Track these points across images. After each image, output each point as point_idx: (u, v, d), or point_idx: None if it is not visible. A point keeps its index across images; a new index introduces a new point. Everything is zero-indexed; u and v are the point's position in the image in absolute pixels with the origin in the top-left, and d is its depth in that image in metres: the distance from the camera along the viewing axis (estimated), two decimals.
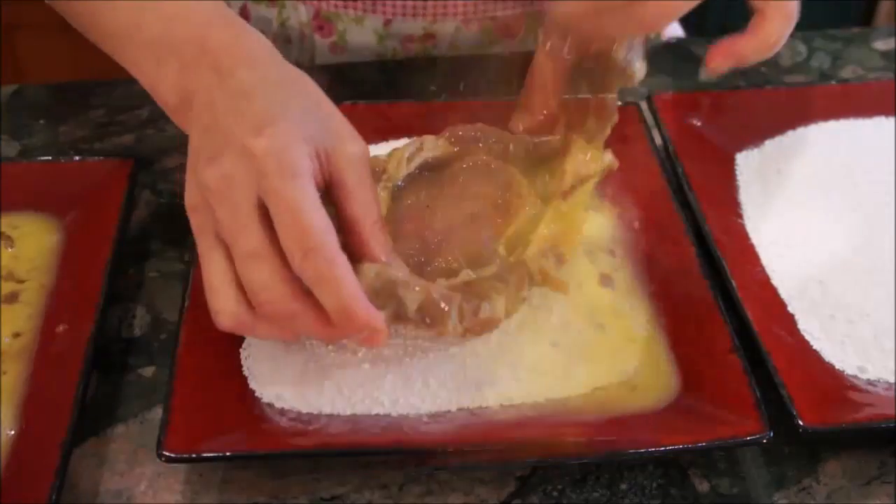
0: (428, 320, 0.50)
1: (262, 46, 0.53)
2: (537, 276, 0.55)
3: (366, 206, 0.50)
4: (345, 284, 0.47)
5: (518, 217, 0.58)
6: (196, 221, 0.50)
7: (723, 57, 0.58)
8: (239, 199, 0.47)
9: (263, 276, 0.47)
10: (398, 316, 0.50)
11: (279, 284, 0.47)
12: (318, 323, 0.48)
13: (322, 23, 0.84)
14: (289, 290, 0.47)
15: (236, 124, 0.48)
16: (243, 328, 0.50)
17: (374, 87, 0.78)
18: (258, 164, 0.47)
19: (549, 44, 0.58)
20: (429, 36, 0.84)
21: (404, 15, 0.83)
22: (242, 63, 0.51)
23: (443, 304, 0.50)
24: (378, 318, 0.48)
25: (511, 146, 0.60)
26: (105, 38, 0.56)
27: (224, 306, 0.49)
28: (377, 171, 0.58)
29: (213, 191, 0.48)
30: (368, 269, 0.50)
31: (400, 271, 0.51)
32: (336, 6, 0.83)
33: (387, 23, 0.83)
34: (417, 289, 0.50)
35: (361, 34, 0.84)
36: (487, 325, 0.53)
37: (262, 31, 0.54)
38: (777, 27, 0.57)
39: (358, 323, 0.47)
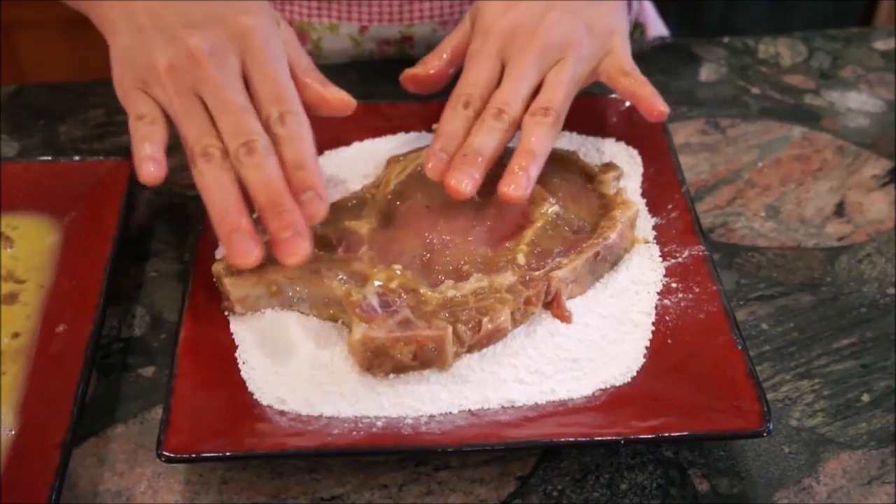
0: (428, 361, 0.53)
1: None
2: (553, 296, 0.57)
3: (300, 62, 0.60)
4: (308, 142, 0.55)
5: (535, 222, 0.59)
6: (177, 79, 0.56)
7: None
8: (230, 63, 0.56)
9: (250, 124, 0.54)
10: (400, 367, 0.53)
11: (261, 133, 0.54)
12: (277, 173, 0.53)
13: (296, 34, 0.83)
14: (267, 138, 0.54)
15: (221, 4, 0.57)
16: (220, 172, 0.54)
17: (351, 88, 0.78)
18: (247, 38, 0.56)
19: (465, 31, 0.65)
20: (406, 38, 0.84)
21: (380, 21, 0.82)
22: None
23: (433, 347, 0.52)
24: (320, 186, 0.54)
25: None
26: None
27: (213, 144, 0.54)
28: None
29: (204, 53, 0.55)
30: (354, 340, 0.52)
31: (382, 329, 0.52)
32: (309, 16, 0.83)
33: (363, 29, 0.83)
34: (404, 344, 0.52)
35: (337, 41, 0.84)
36: (493, 337, 0.54)
37: None
38: (658, 103, 0.63)
39: (311, 177, 0.54)
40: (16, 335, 0.57)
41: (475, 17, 0.65)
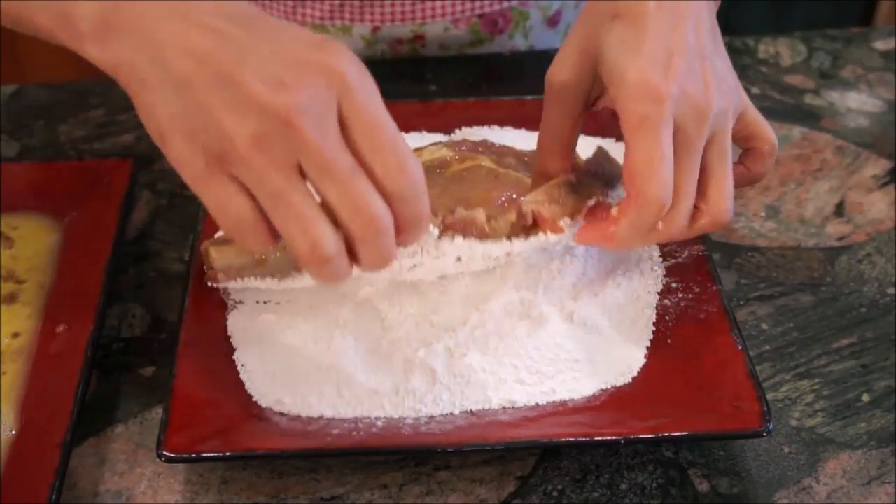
0: None
1: None
2: (529, 216, 0.54)
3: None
4: (425, 195, 0.45)
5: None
6: (266, 158, 0.42)
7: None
8: (330, 120, 0.43)
9: (367, 191, 0.43)
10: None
11: (378, 199, 0.44)
12: (391, 236, 0.45)
13: None
14: (383, 203, 0.44)
15: (294, 44, 0.43)
16: (338, 260, 0.44)
17: None
18: (341, 81, 0.43)
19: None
20: (418, 37, 0.84)
21: (393, 20, 0.82)
22: None
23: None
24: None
25: (513, 160, 0.60)
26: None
27: (325, 234, 0.43)
28: None
29: (299, 113, 0.42)
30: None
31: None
32: (322, 19, 0.83)
33: (375, 29, 0.83)
34: None
35: (349, 42, 0.84)
36: (465, 225, 0.53)
37: None
38: (767, 166, 0.56)
39: (425, 223, 0.46)
40: (16, 335, 0.57)
41: (607, 70, 0.51)
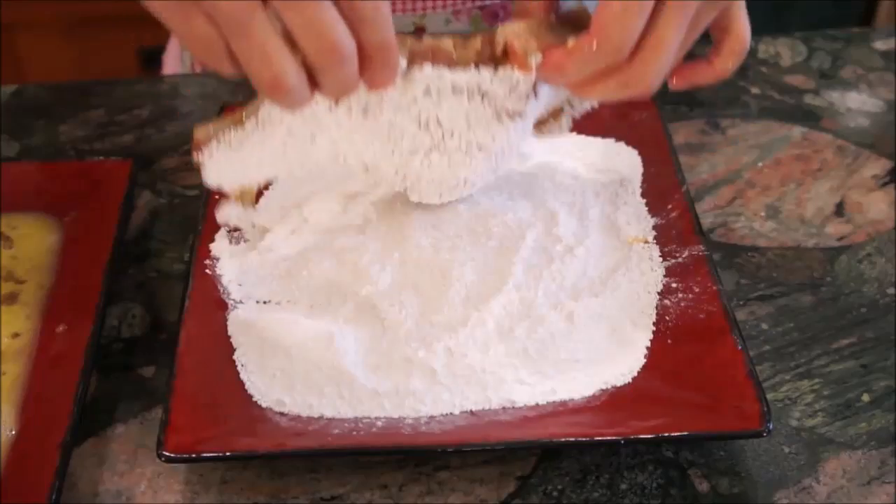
0: None
1: None
2: (500, 45, 0.52)
3: None
4: (389, 21, 0.47)
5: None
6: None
7: (683, 81, 0.57)
8: None
9: (330, 16, 0.44)
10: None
11: (341, 24, 0.45)
12: (354, 64, 0.46)
13: None
14: (346, 29, 0.45)
15: None
16: (299, 89, 0.46)
17: None
18: None
19: None
20: (419, 30, 0.84)
21: (394, 12, 0.82)
22: None
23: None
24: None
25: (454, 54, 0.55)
26: None
27: (285, 65, 0.45)
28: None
29: None
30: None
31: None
32: None
33: None
34: None
35: None
36: (434, 53, 0.51)
37: None
38: (730, 63, 0.56)
39: (393, 55, 0.47)
40: (16, 335, 0.57)
41: None
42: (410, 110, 0.53)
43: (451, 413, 0.52)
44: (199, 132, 0.56)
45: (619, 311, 0.58)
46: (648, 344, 0.56)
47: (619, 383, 0.54)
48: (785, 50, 0.86)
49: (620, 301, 0.58)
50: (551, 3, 0.55)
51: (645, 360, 0.55)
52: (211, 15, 0.44)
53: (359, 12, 0.45)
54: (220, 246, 0.61)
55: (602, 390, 0.54)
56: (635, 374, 0.55)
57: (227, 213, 0.60)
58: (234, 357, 0.55)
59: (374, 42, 0.46)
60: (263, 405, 0.53)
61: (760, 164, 0.74)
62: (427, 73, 0.52)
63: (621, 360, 0.55)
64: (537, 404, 0.53)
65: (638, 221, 0.63)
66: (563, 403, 0.53)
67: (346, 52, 0.45)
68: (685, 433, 0.50)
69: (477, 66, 0.52)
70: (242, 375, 0.54)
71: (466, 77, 0.52)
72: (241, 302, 0.58)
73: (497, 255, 0.59)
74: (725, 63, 0.56)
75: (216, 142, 0.55)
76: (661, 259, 0.61)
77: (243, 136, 0.55)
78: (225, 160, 0.56)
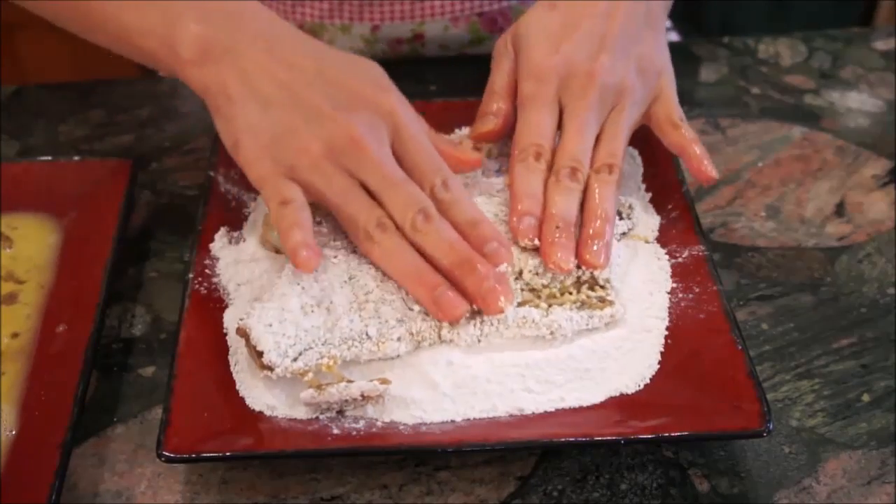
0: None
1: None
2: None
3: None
4: (472, 202, 0.57)
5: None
6: (336, 162, 0.55)
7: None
8: (386, 144, 0.56)
9: (420, 194, 0.55)
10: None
11: (426, 199, 0.55)
12: (457, 234, 0.55)
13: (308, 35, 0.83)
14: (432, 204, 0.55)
15: (357, 83, 0.57)
16: (401, 240, 0.54)
17: None
18: (394, 117, 0.56)
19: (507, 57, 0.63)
20: (417, 36, 0.84)
21: (392, 19, 0.82)
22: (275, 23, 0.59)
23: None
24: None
25: None
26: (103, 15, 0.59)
27: (383, 217, 0.55)
28: None
29: (363, 135, 0.54)
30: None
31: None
32: (321, 17, 0.83)
33: (375, 28, 0.83)
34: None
35: (349, 41, 0.84)
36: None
37: None
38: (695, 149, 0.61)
39: (489, 229, 0.56)
40: (16, 335, 0.57)
41: (518, 51, 0.62)
42: None
43: (453, 420, 0.52)
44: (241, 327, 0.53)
45: (633, 318, 0.57)
46: (662, 349, 0.55)
47: (630, 391, 0.53)
48: (785, 50, 0.86)
49: (635, 306, 0.57)
50: (501, 116, 0.62)
51: (658, 367, 0.54)
52: (318, 185, 0.55)
53: (447, 199, 0.56)
54: (219, 246, 0.61)
55: (611, 397, 0.53)
56: (647, 381, 0.54)
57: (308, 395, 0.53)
58: (229, 356, 0.55)
59: (477, 232, 0.56)
60: (256, 410, 0.52)
61: (760, 164, 0.74)
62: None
63: (633, 369, 0.54)
64: (545, 412, 0.53)
65: (639, 220, 0.63)
66: (574, 412, 0.53)
67: (434, 213, 0.55)
68: (685, 433, 0.50)
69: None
70: (235, 375, 0.54)
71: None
72: (234, 300, 0.58)
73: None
74: (669, 137, 0.62)
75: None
76: (667, 258, 0.60)
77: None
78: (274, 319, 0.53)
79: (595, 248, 0.56)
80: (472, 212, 0.56)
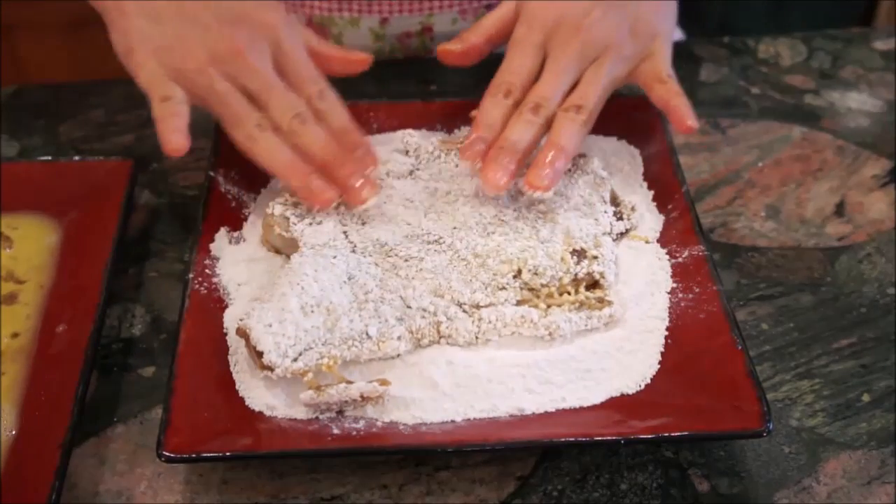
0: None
1: None
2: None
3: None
4: (346, 112, 0.61)
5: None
6: (220, 69, 0.59)
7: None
8: (265, 55, 0.60)
9: (297, 100, 0.60)
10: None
11: (303, 105, 0.59)
12: (330, 136, 0.59)
13: (316, 29, 0.83)
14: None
15: (243, 1, 0.61)
16: (277, 138, 0.59)
17: (375, 86, 0.78)
18: (274, 32, 0.61)
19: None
20: (426, 29, 0.84)
21: (401, 12, 0.82)
22: None
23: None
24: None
25: None
26: None
27: (262, 119, 0.59)
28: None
29: (245, 46, 0.59)
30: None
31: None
32: (330, 10, 0.83)
33: (383, 21, 0.83)
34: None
35: (358, 35, 0.84)
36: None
37: None
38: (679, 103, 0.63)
39: (358, 137, 0.60)
40: (16, 335, 0.57)
41: (521, 1, 0.65)
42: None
43: (453, 420, 0.52)
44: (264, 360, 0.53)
45: (635, 318, 0.57)
46: (663, 350, 0.55)
47: (631, 391, 0.53)
48: (785, 50, 0.86)
49: (638, 306, 0.57)
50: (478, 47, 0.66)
51: (658, 367, 0.54)
52: (200, 91, 0.59)
53: (323, 108, 0.60)
54: (219, 246, 0.61)
55: (612, 398, 0.53)
56: (648, 381, 0.54)
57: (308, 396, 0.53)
58: (228, 356, 0.55)
59: (339, 128, 0.60)
60: (255, 409, 0.52)
61: (760, 164, 0.74)
62: None
63: (634, 370, 0.54)
64: (546, 412, 0.53)
65: (639, 220, 0.63)
66: (575, 412, 0.53)
67: (310, 115, 0.59)
68: (685, 433, 0.50)
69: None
70: (234, 375, 0.54)
71: None
72: (234, 300, 0.58)
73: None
74: (658, 94, 0.63)
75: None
76: (668, 257, 0.60)
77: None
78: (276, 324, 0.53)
79: (543, 172, 0.58)
80: (344, 120, 0.60)
